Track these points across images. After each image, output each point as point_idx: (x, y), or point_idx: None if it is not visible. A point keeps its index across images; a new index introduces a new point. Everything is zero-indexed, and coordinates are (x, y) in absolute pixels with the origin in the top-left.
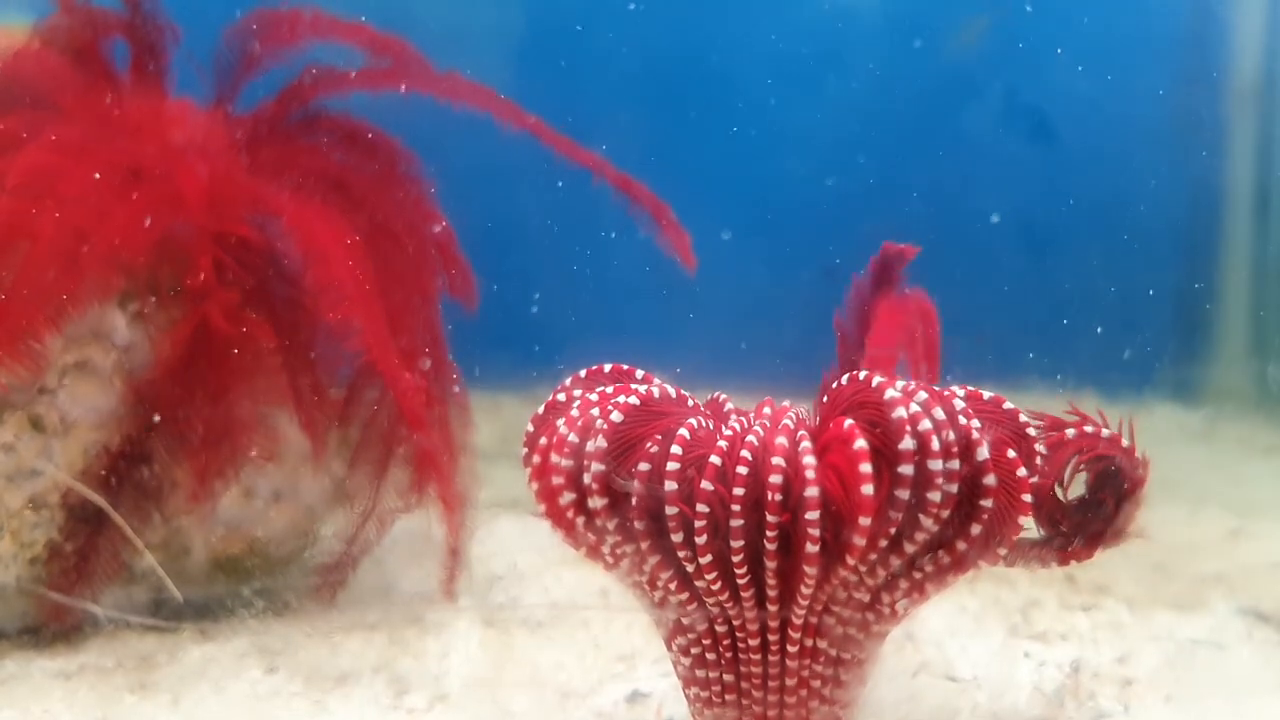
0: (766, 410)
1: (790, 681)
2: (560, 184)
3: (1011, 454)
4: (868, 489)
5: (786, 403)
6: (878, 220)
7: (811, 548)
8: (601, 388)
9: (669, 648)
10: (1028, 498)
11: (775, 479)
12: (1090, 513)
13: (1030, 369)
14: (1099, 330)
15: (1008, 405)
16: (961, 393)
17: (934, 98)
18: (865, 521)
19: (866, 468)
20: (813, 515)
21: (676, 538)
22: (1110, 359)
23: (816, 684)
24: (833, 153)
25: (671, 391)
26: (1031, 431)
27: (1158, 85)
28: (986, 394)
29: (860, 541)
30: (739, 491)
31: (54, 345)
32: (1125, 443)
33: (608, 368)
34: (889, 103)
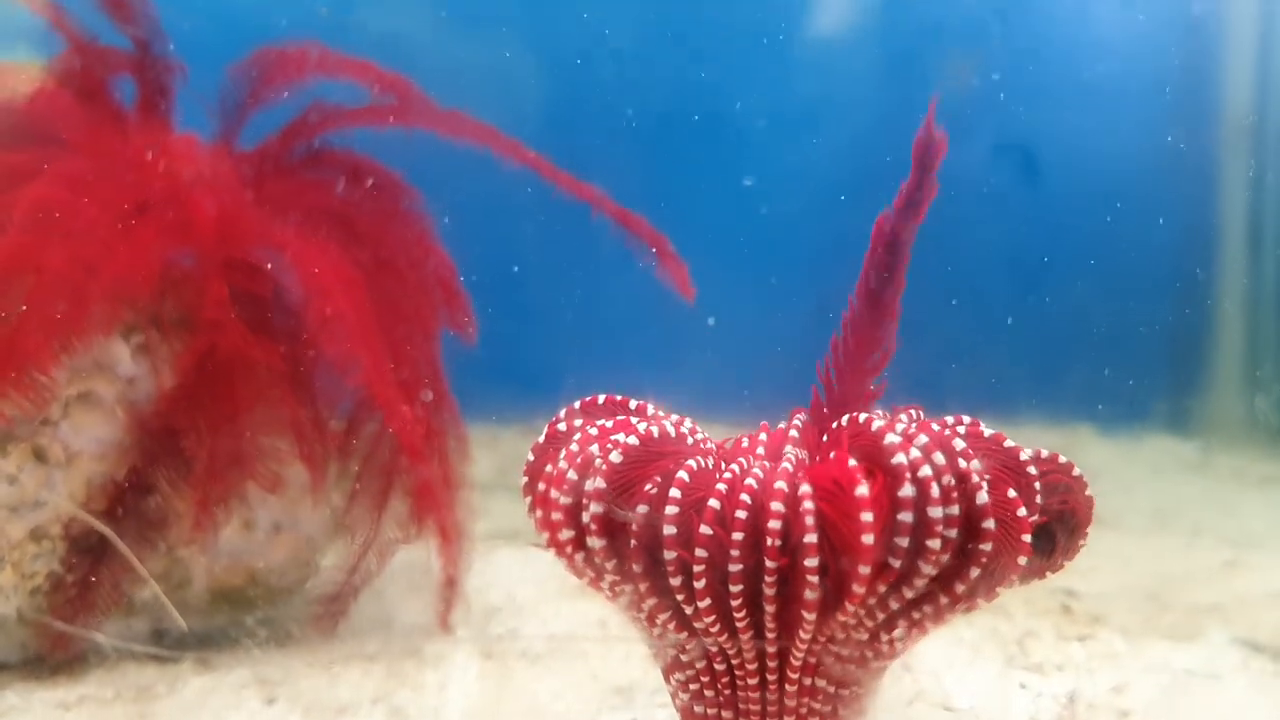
0: (763, 436)
1: (789, 718)
2: (559, 218)
3: (1011, 494)
4: (868, 538)
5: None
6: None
7: (810, 594)
8: (602, 421)
9: (667, 680)
10: (1027, 538)
11: (774, 524)
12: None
13: (1026, 403)
14: (1093, 364)
15: (1008, 443)
16: (962, 429)
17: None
18: (865, 569)
19: (868, 516)
20: (812, 561)
21: (675, 580)
22: (1105, 392)
23: None
24: (825, 191)
25: (671, 429)
26: (1031, 470)
27: (1150, 122)
28: (987, 430)
29: (859, 589)
30: (738, 535)
31: (58, 377)
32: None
33: (602, 399)
34: (881, 142)
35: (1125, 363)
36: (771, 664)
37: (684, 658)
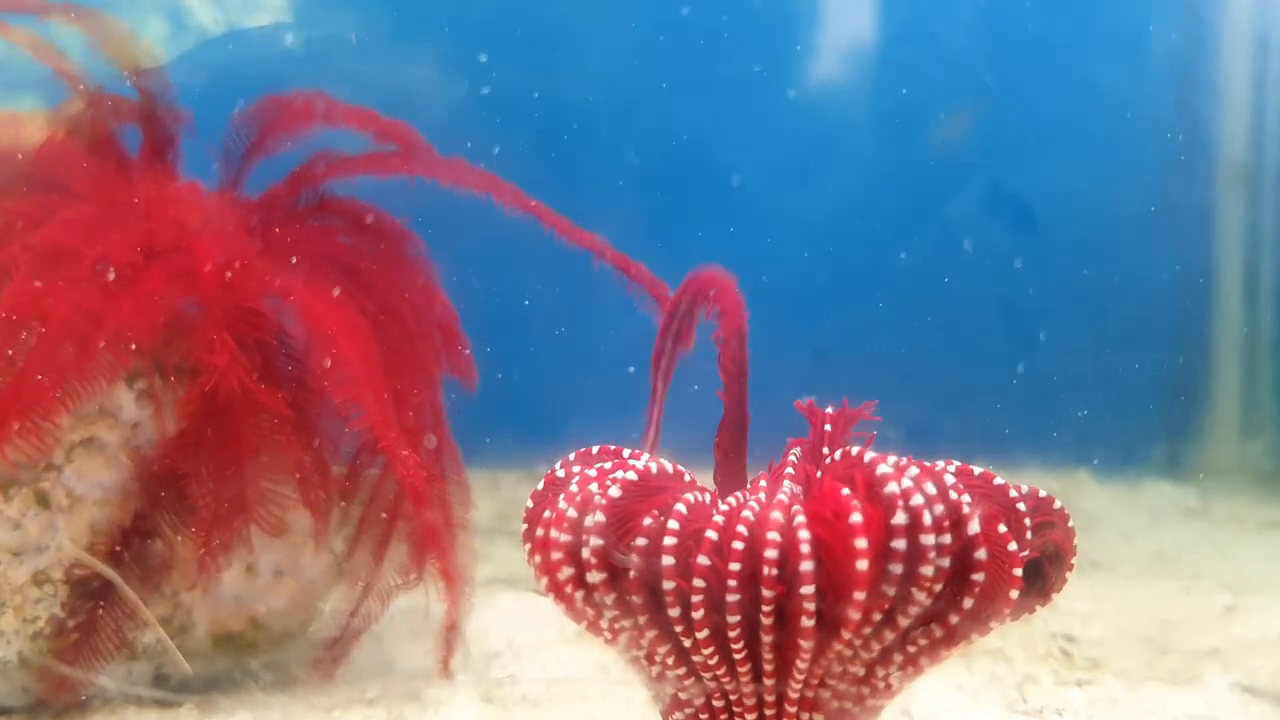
0: (763, 482)
1: None
2: (560, 265)
3: (1002, 528)
4: (863, 564)
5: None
6: (867, 304)
7: (807, 622)
8: (600, 464)
9: None
10: (1018, 572)
11: (770, 553)
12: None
13: (1024, 450)
14: (1090, 410)
15: (998, 481)
16: (952, 468)
17: (922, 186)
18: (860, 596)
19: (862, 543)
20: (808, 590)
21: (674, 612)
22: (1102, 438)
23: None
24: (823, 240)
25: (669, 467)
26: (1021, 507)
27: (1145, 170)
28: (976, 470)
29: (855, 615)
30: (735, 566)
31: (62, 422)
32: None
33: (596, 449)
34: (877, 191)
35: (1122, 409)
36: (769, 698)
37: (683, 696)
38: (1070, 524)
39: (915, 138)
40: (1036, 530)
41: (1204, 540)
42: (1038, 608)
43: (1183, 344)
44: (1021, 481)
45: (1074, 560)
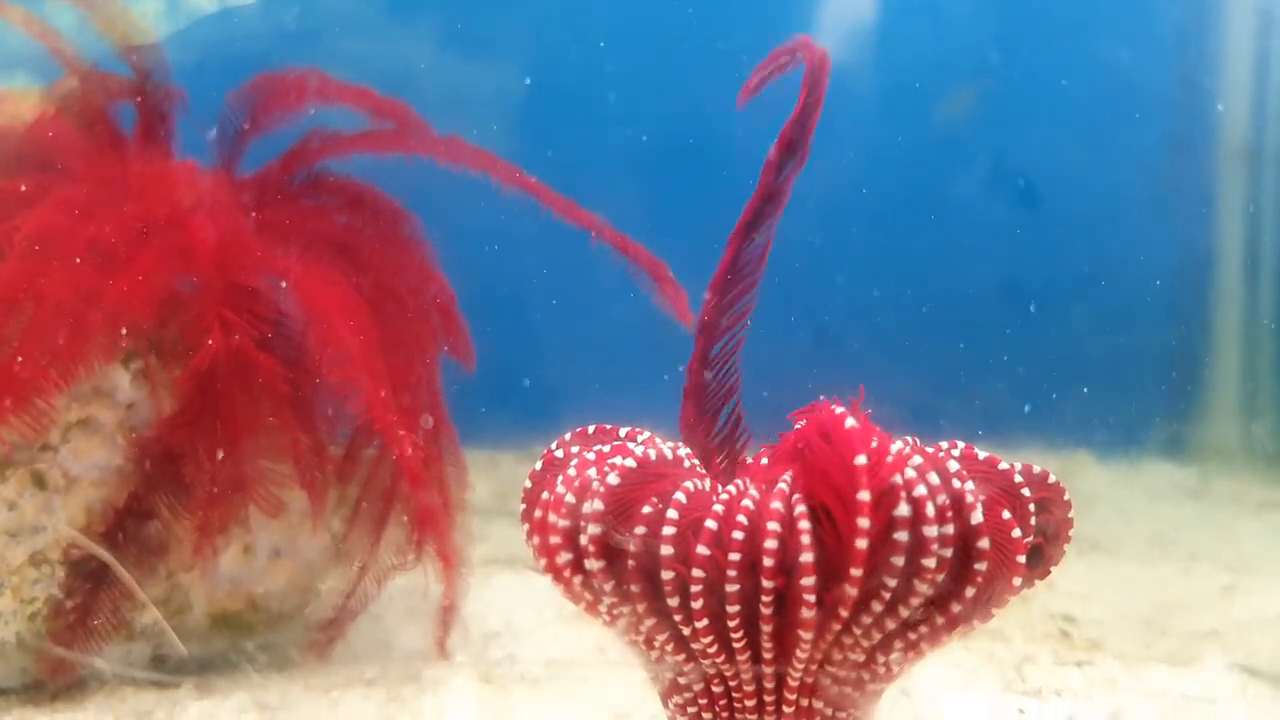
0: (764, 461)
1: None
2: (558, 244)
3: (1006, 515)
4: (862, 544)
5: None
6: (867, 283)
7: (807, 613)
8: (599, 447)
9: (665, 704)
10: (1022, 559)
11: (770, 543)
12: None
13: (1024, 430)
14: (1090, 390)
15: (1003, 465)
16: (956, 452)
17: (923, 164)
18: (857, 573)
19: (864, 523)
20: (808, 581)
21: (672, 601)
22: (1103, 418)
23: None
24: (824, 218)
25: (668, 452)
26: (1026, 492)
27: (1147, 149)
28: (981, 454)
29: (852, 592)
30: (735, 556)
31: (58, 403)
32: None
33: (592, 429)
34: (878, 169)
35: (1122, 389)
36: (769, 686)
37: (682, 680)
38: (1066, 498)
39: (918, 116)
40: (1036, 511)
41: (1204, 521)
42: (1036, 583)
43: (1183, 323)
44: (1021, 461)
45: (1070, 533)
